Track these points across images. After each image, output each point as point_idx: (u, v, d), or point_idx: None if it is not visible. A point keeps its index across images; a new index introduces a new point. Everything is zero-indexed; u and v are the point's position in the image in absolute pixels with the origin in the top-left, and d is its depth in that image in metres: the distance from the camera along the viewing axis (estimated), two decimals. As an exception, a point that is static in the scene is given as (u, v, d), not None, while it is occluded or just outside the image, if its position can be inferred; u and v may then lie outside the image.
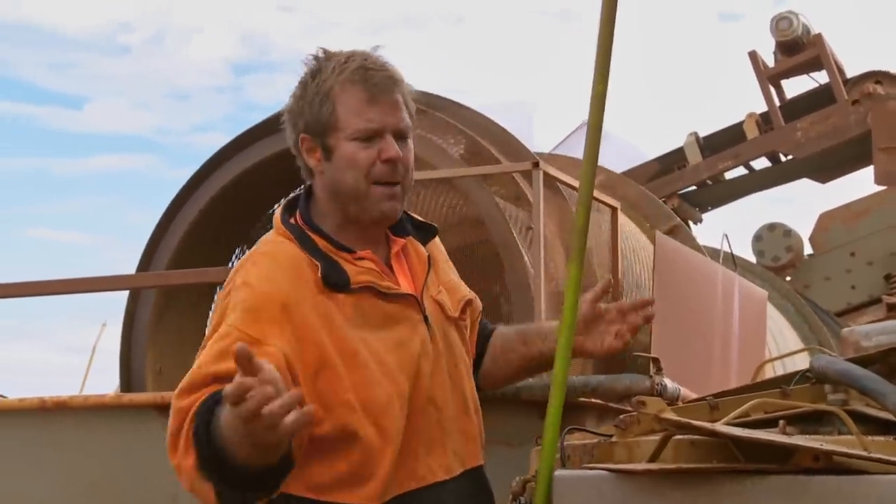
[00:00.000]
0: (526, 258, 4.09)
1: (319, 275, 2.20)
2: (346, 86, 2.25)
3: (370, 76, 2.25)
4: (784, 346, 6.77)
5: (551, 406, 2.04)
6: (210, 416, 1.99)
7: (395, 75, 2.28)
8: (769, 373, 5.45)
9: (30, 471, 3.66)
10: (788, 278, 9.99)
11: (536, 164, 3.90)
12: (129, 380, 4.81)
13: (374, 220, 2.30)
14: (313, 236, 2.27)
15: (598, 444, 2.21)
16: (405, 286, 2.33)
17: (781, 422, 1.96)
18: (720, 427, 1.81)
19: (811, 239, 10.39)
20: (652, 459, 1.92)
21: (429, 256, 2.41)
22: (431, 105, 4.42)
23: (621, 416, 2.19)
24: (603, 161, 7.12)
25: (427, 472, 2.25)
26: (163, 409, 3.57)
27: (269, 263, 2.23)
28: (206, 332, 2.24)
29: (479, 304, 2.59)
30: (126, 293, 4.92)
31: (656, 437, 1.98)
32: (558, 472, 1.99)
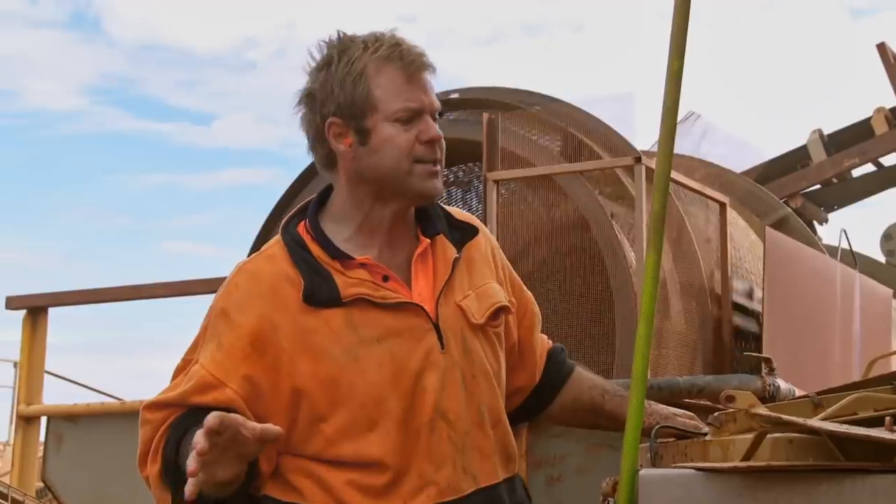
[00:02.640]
0: (629, 256, 3.96)
1: (302, 295, 2.08)
2: (381, 65, 2.12)
3: (406, 54, 2.13)
4: (915, 349, 6.45)
5: (632, 403, 1.92)
6: (183, 432, 2.02)
7: (426, 55, 2.17)
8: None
9: (136, 471, 3.70)
10: (921, 278, 9.55)
11: (639, 159, 3.76)
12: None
13: (414, 199, 2.17)
14: (311, 244, 2.14)
15: (691, 443, 2.10)
16: (422, 289, 2.17)
17: (888, 419, 1.81)
18: (815, 422, 1.67)
19: (946, 237, 9.92)
20: (746, 457, 1.79)
21: (456, 258, 2.23)
22: (528, 102, 4.33)
23: (716, 414, 2.07)
24: (712, 156, 6.91)
25: (435, 492, 2.09)
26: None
27: (248, 286, 2.12)
28: (193, 340, 2.19)
29: (532, 310, 2.41)
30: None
31: (751, 436, 1.86)
32: (644, 472, 1.88)
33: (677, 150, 5.77)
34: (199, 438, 1.83)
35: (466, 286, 2.23)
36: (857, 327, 4.64)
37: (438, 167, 2.16)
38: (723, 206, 4.37)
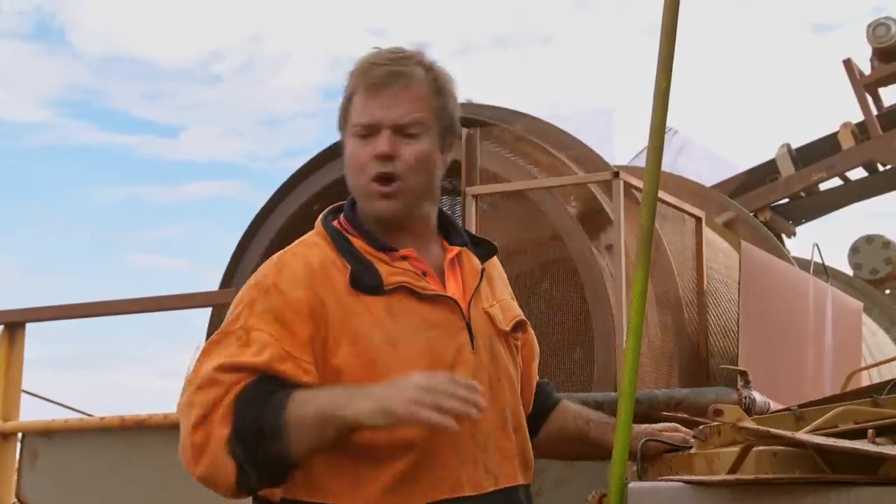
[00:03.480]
0: (606, 271, 3.99)
1: (349, 278, 2.12)
2: (353, 82, 2.20)
3: (371, 69, 2.17)
4: (882, 358, 6.53)
5: (620, 417, 1.95)
6: (268, 394, 2.00)
7: (403, 69, 2.17)
8: (866, 383, 5.26)
9: (111, 488, 3.69)
10: (888, 291, 9.68)
11: (616, 175, 3.80)
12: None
13: (376, 219, 2.20)
14: (351, 237, 2.19)
15: (676, 456, 2.13)
16: (453, 291, 2.22)
17: (870, 431, 1.85)
18: (802, 435, 1.71)
19: (912, 251, 10.05)
20: (732, 470, 1.82)
21: (483, 269, 2.30)
22: (504, 119, 4.37)
23: (700, 427, 2.10)
24: (689, 170, 6.98)
25: (454, 485, 2.12)
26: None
27: (298, 265, 2.14)
28: (229, 315, 2.15)
29: (533, 341, 2.46)
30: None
31: (736, 449, 1.89)
32: (633, 484, 1.90)
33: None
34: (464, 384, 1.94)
35: (491, 297, 2.30)
36: (829, 340, 4.70)
37: (392, 187, 2.16)
38: (699, 220, 4.42)
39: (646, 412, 3.44)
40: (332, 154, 4.80)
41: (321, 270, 2.13)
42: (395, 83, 2.16)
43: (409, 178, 2.17)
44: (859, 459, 1.70)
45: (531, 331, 2.47)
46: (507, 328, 2.28)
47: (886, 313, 7.91)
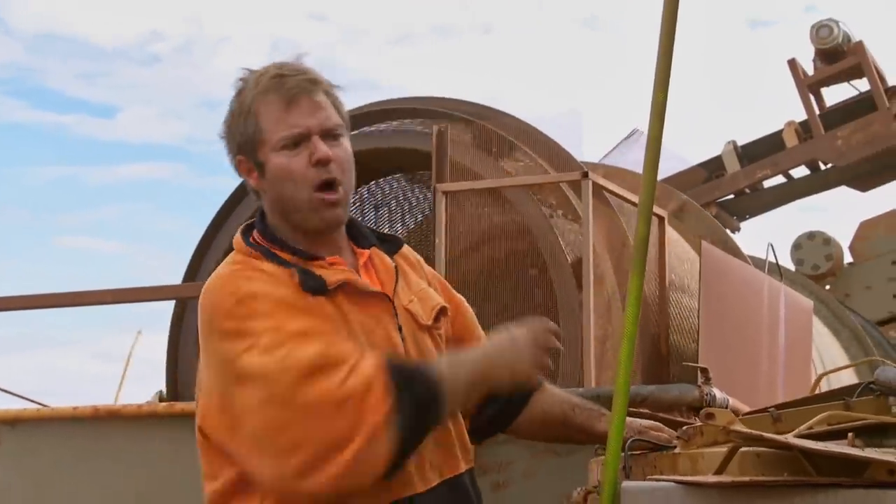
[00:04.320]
0: (572, 268, 4.07)
1: (297, 280, 2.13)
2: (263, 97, 2.18)
3: (284, 82, 2.18)
4: (827, 356, 6.71)
5: (615, 417, 2.01)
6: (411, 374, 2.07)
7: (313, 77, 2.20)
8: (812, 381, 5.41)
9: (82, 478, 3.69)
10: (828, 287, 9.92)
11: (586, 175, 3.88)
12: (175, 386, 4.84)
13: (318, 230, 2.22)
14: (279, 251, 2.20)
15: (660, 456, 2.19)
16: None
17: (850, 434, 1.94)
18: (794, 440, 1.79)
19: (851, 247, 10.32)
20: (719, 471, 1.90)
21: (396, 267, 2.33)
22: (478, 115, 4.42)
23: (684, 428, 2.17)
24: (631, 162, 7.09)
25: (406, 484, 2.16)
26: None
27: (256, 275, 2.14)
28: (227, 338, 2.08)
29: (466, 310, 2.50)
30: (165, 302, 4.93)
31: (720, 449, 1.96)
32: (626, 484, 1.96)
33: (622, 165, 5.92)
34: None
35: (408, 292, 2.32)
36: (782, 338, 4.83)
37: (337, 193, 2.19)
38: (661, 219, 4.52)
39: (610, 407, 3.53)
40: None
41: (273, 276, 2.14)
42: (312, 89, 2.19)
43: (346, 181, 2.22)
44: (843, 462, 1.78)
45: (459, 298, 2.51)
46: (429, 322, 2.32)
47: (831, 308, 8.11)
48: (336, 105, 2.24)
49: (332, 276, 2.17)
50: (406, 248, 2.44)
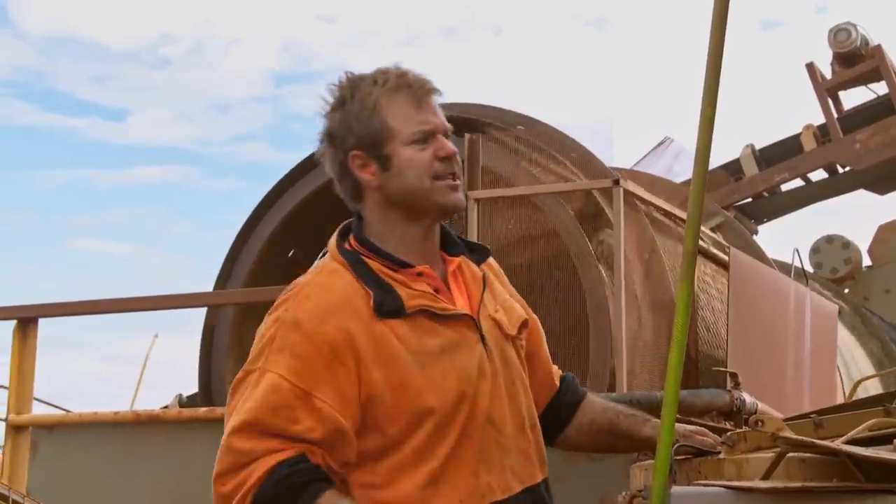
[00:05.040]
0: (603, 274, 4.12)
1: (372, 304, 2.18)
2: (391, 95, 2.27)
3: (412, 82, 2.29)
4: (850, 360, 6.74)
5: (664, 422, 2.05)
6: (296, 490, 2.06)
7: (431, 80, 2.32)
8: (840, 386, 5.44)
9: (121, 482, 3.74)
10: (847, 290, 9.93)
11: (617, 182, 3.93)
12: (209, 392, 4.89)
13: (440, 213, 2.31)
14: (368, 259, 2.26)
15: (705, 461, 2.23)
16: (462, 304, 2.31)
17: (895, 441, 1.97)
18: (844, 447, 1.83)
19: (870, 251, 10.33)
20: (766, 477, 1.94)
21: (483, 275, 2.40)
22: (512, 122, 4.47)
23: (729, 433, 2.21)
24: (683, 176, 7.11)
25: (487, 491, 2.22)
26: (253, 422, 3.66)
27: (321, 296, 2.20)
28: (252, 352, 2.21)
29: (538, 326, 2.55)
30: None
31: (765, 455, 2.00)
32: (674, 489, 2.00)
33: (653, 171, 5.96)
34: None
35: (494, 302, 2.39)
36: (808, 342, 4.86)
37: (458, 181, 2.31)
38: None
39: (646, 412, 3.57)
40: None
41: (344, 299, 2.19)
42: (434, 92, 2.31)
43: (460, 176, 2.33)
44: (892, 468, 1.82)
45: (534, 316, 2.54)
46: (514, 332, 2.38)
47: (853, 312, 8.13)
48: None
49: (411, 299, 2.22)
50: (492, 259, 2.50)
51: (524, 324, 2.44)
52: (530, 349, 2.50)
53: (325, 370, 2.13)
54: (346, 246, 2.31)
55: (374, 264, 2.26)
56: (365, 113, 2.27)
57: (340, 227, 2.38)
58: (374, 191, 2.30)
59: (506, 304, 2.42)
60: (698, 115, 2.06)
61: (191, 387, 6.07)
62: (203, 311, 5.02)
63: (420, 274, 2.27)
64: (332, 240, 2.34)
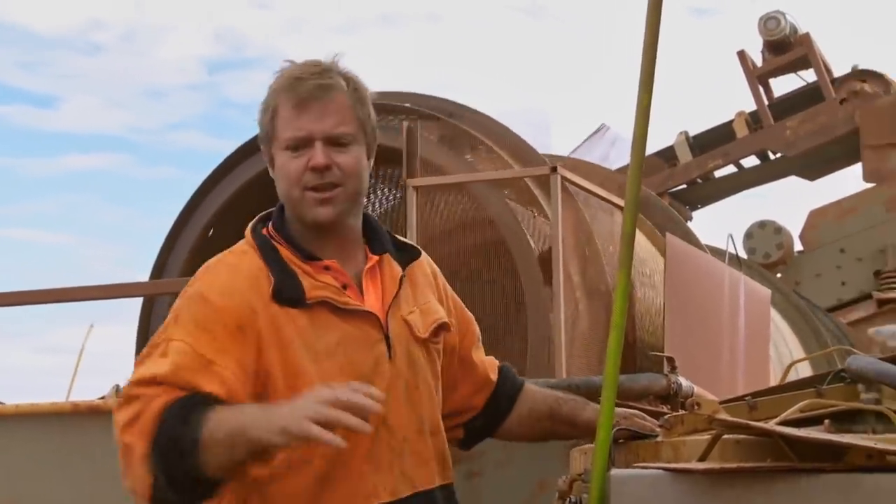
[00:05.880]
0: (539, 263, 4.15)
1: (272, 289, 2.20)
2: (280, 96, 2.26)
3: (299, 84, 2.24)
4: (782, 343, 6.87)
5: (604, 406, 2.09)
6: (185, 413, 2.06)
7: (329, 82, 2.25)
8: (773, 370, 5.55)
9: (59, 474, 3.70)
10: (779, 275, 10.11)
11: (554, 169, 3.96)
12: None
13: (309, 227, 2.28)
14: (279, 246, 2.28)
15: (643, 444, 2.27)
16: (372, 302, 2.30)
17: (826, 421, 2.03)
18: (778, 428, 1.87)
19: (801, 236, 10.52)
20: (702, 458, 1.97)
21: (402, 276, 2.36)
22: (446, 112, 4.48)
23: (666, 416, 2.25)
24: (619, 163, 7.18)
25: (371, 493, 2.23)
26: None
27: (228, 274, 2.23)
28: (162, 326, 2.23)
29: (473, 328, 2.56)
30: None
31: (702, 437, 2.04)
32: (613, 472, 2.03)
33: (589, 159, 6.02)
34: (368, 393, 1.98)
35: (412, 303, 2.38)
36: (742, 327, 4.95)
37: (330, 193, 2.25)
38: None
39: (585, 397, 3.61)
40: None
41: (250, 279, 2.21)
42: (323, 96, 2.24)
43: (346, 184, 2.27)
44: (824, 448, 1.87)
45: (469, 316, 2.57)
46: (426, 335, 2.36)
47: (780, 296, 8.28)
48: (356, 110, 2.29)
49: (313, 289, 2.22)
50: (423, 259, 2.48)
51: (441, 326, 2.42)
52: (463, 353, 2.52)
53: (230, 340, 2.14)
54: (263, 230, 2.32)
55: (284, 252, 2.27)
56: (264, 111, 2.29)
57: (261, 214, 2.39)
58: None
59: (425, 306, 2.40)
60: (634, 103, 2.10)
61: (128, 377, 5.99)
62: (139, 300, 4.98)
63: (327, 268, 2.27)
64: (250, 225, 2.36)
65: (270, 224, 2.33)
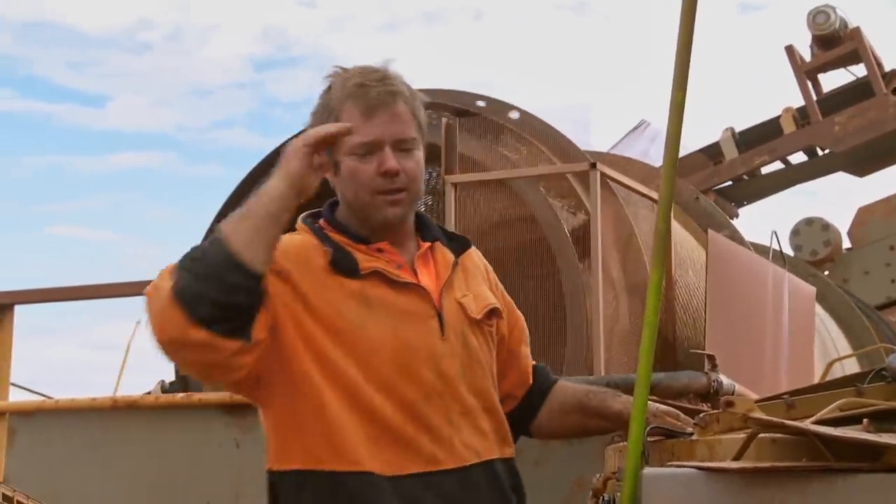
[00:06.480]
0: (578, 259, 4.13)
1: (328, 259, 2.27)
2: (345, 102, 2.31)
3: (366, 91, 2.29)
4: (829, 341, 6.78)
5: (636, 403, 2.07)
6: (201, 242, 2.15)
7: (394, 89, 2.32)
8: (818, 368, 5.48)
9: (99, 468, 3.75)
10: (827, 272, 9.99)
11: (594, 166, 3.94)
12: (186, 378, 4.88)
13: (380, 227, 2.34)
14: (331, 232, 2.35)
15: (678, 443, 2.24)
16: (426, 282, 2.36)
17: (865, 420, 1.99)
18: (812, 426, 1.84)
19: (849, 233, 10.39)
20: (737, 457, 1.95)
21: (456, 262, 2.43)
22: (489, 108, 4.47)
23: (702, 415, 2.22)
24: (638, 153, 7.12)
25: (431, 460, 2.27)
26: (231, 408, 3.67)
27: (282, 240, 2.26)
28: None
29: (522, 325, 2.61)
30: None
31: (737, 436, 2.02)
32: (646, 470, 2.01)
33: (630, 155, 5.97)
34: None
35: (464, 287, 2.43)
36: (785, 324, 4.89)
37: (400, 195, 2.32)
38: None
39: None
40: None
41: (300, 251, 2.28)
42: (390, 102, 2.31)
43: (411, 188, 2.34)
44: (861, 448, 1.83)
45: (518, 314, 2.61)
46: (479, 316, 2.41)
47: (832, 293, 8.18)
48: (415, 115, 2.36)
49: (366, 261, 2.30)
50: (474, 251, 2.55)
51: (493, 311, 2.46)
52: (511, 347, 2.56)
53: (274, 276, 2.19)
54: (315, 224, 2.39)
55: (336, 235, 2.34)
56: (325, 115, 2.34)
57: (308, 212, 2.45)
58: (335, 187, 2.39)
59: (477, 291, 2.46)
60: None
61: (173, 373, 6.07)
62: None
63: (380, 250, 2.33)
64: (300, 218, 2.41)
65: (322, 219, 2.40)
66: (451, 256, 2.43)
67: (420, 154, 2.38)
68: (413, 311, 2.31)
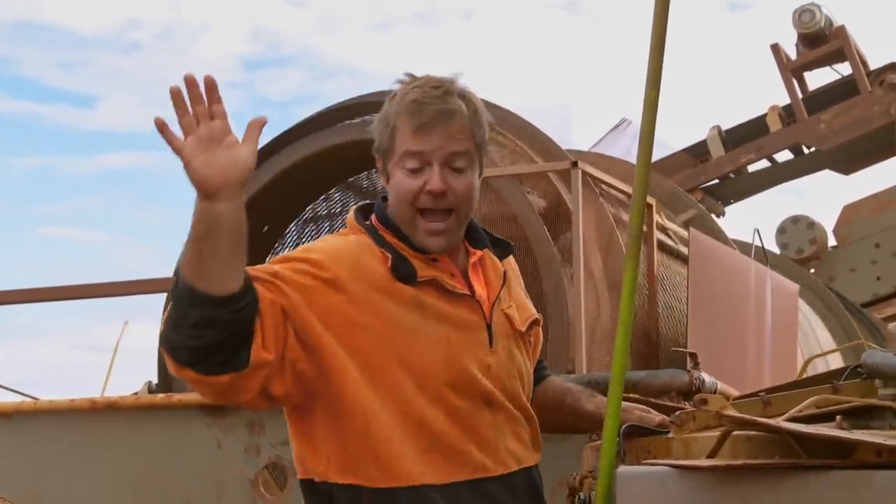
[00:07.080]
0: (560, 257, 4.12)
1: (389, 265, 2.27)
2: (401, 115, 2.30)
3: (421, 108, 2.28)
4: (813, 339, 6.79)
5: (610, 402, 2.07)
6: None
7: (450, 107, 2.29)
8: (800, 364, 5.49)
9: (79, 469, 3.73)
10: (812, 270, 10.01)
11: (575, 164, 3.94)
12: (167, 378, 4.86)
13: (418, 244, 2.33)
14: (387, 235, 2.34)
15: (654, 441, 2.25)
16: (478, 293, 2.38)
17: (838, 417, 1.99)
18: (785, 424, 1.84)
19: (835, 231, 10.41)
20: (711, 455, 1.95)
21: (504, 271, 2.46)
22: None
23: (677, 413, 2.22)
24: (620, 152, 7.13)
25: (478, 467, 2.30)
26: (212, 409, 3.66)
27: (337, 242, 2.31)
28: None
29: (540, 330, 2.63)
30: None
31: (713, 434, 2.02)
32: (621, 469, 2.02)
33: (612, 153, 5.95)
34: None
35: (508, 298, 2.46)
36: (768, 322, 4.90)
37: (443, 224, 2.30)
38: (649, 207, 4.57)
39: (604, 392, 3.60)
40: (313, 125, 4.83)
41: (355, 254, 2.28)
42: (446, 121, 2.29)
43: (460, 209, 2.33)
44: (833, 444, 1.84)
45: (539, 315, 2.63)
46: (523, 329, 2.46)
47: (816, 292, 8.20)
48: (473, 134, 2.33)
49: (425, 269, 2.30)
50: (511, 256, 2.56)
51: (535, 322, 2.52)
52: (533, 348, 2.58)
53: (311, 279, 2.19)
54: (367, 222, 2.39)
55: (393, 239, 2.33)
56: (383, 124, 2.35)
57: (358, 205, 2.47)
58: (389, 193, 2.40)
59: (519, 301, 2.50)
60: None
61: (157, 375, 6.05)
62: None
63: (435, 260, 2.34)
64: (351, 214, 2.42)
65: (373, 216, 2.40)
66: (500, 267, 2.45)
67: (472, 174, 2.34)
68: (465, 322, 2.33)
